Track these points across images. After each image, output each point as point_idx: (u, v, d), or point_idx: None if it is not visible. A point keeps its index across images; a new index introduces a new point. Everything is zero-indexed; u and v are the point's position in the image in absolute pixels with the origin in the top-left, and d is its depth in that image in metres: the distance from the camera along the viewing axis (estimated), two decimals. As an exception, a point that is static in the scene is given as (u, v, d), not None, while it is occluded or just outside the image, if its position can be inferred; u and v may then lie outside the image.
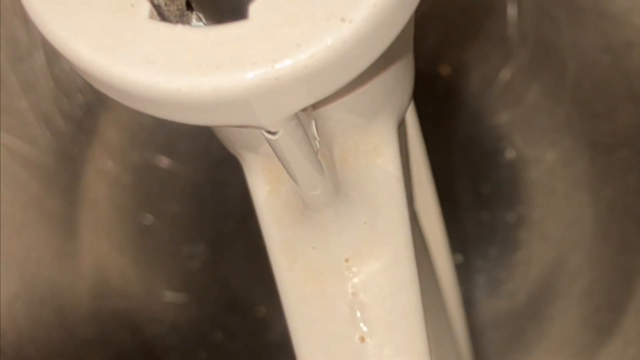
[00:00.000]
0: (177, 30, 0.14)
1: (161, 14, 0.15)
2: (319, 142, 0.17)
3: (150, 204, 0.51)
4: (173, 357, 0.48)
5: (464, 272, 0.49)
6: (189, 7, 0.16)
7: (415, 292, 0.20)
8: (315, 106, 0.17)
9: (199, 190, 0.52)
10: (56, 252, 0.47)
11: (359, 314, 0.19)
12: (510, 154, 0.49)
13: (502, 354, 0.47)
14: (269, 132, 0.15)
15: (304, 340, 0.20)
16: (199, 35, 0.14)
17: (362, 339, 0.19)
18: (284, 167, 0.17)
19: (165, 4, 0.15)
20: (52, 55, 0.46)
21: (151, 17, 0.14)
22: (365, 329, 0.19)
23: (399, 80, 0.19)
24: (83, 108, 0.49)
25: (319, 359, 0.20)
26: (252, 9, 0.14)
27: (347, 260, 0.20)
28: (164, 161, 0.51)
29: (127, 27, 0.14)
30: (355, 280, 0.20)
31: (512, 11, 0.48)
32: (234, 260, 0.51)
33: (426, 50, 0.51)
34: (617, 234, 0.45)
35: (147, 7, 0.14)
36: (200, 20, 0.16)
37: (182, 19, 0.16)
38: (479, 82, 0.50)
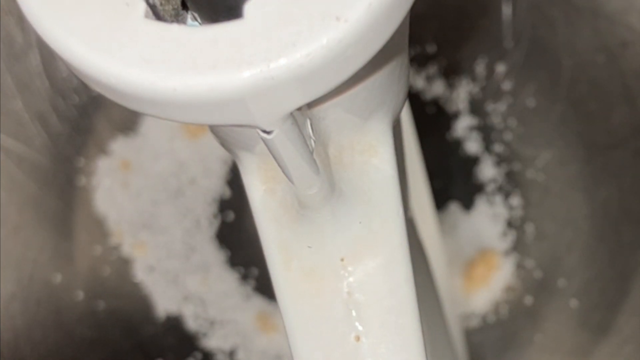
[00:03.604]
0: (173, 30, 0.14)
1: (156, 14, 0.15)
2: (315, 142, 0.17)
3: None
4: (169, 356, 0.48)
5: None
6: (184, 6, 0.16)
7: (411, 291, 0.20)
8: (311, 105, 0.17)
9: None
10: (52, 252, 0.47)
11: (354, 313, 0.19)
12: (505, 153, 0.49)
13: (497, 352, 0.47)
14: (265, 132, 0.15)
15: (299, 340, 0.20)
16: (194, 35, 0.14)
17: (358, 338, 0.19)
18: (280, 166, 0.17)
19: (161, 4, 0.15)
20: (48, 56, 0.46)
21: (146, 16, 0.14)
22: (360, 328, 0.19)
23: (394, 79, 0.19)
24: (78, 108, 0.49)
25: (314, 358, 0.20)
26: (247, 9, 0.14)
27: (342, 260, 0.20)
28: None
29: (123, 26, 0.14)
30: (351, 279, 0.20)
31: (507, 11, 0.48)
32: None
33: (421, 49, 0.51)
34: (612, 233, 0.45)
35: (142, 6, 0.14)
36: (196, 19, 0.16)
37: (178, 19, 0.16)
38: (474, 82, 0.50)
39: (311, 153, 0.17)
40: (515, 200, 0.49)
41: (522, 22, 0.48)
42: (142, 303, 0.49)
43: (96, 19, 0.14)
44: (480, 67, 0.50)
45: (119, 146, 0.51)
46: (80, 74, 0.15)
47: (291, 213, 0.20)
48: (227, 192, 0.51)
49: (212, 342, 0.49)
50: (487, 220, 0.49)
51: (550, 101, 0.48)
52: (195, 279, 0.50)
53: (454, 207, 0.49)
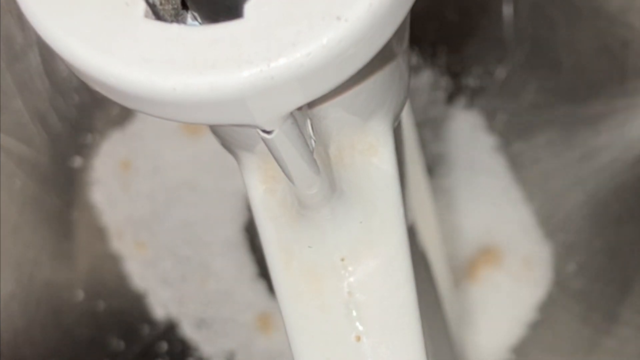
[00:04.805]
0: (173, 30, 0.14)
1: (156, 13, 0.15)
2: (315, 141, 0.17)
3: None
4: (168, 357, 0.48)
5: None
6: (184, 6, 0.16)
7: (411, 291, 0.20)
8: (311, 105, 0.17)
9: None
10: (52, 252, 0.47)
11: (354, 313, 0.19)
12: (506, 152, 0.49)
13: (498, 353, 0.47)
14: (265, 131, 0.15)
15: (300, 339, 0.20)
16: (194, 34, 0.14)
17: (358, 338, 0.19)
18: (280, 166, 0.17)
19: (161, 3, 0.15)
20: (48, 56, 0.46)
21: (146, 16, 0.14)
22: (361, 328, 0.19)
23: (394, 79, 0.19)
24: (78, 108, 0.49)
25: (315, 357, 0.20)
26: (248, 8, 0.14)
27: (343, 259, 0.20)
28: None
29: (123, 26, 0.14)
30: (351, 279, 0.20)
31: (507, 10, 0.48)
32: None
33: (422, 49, 0.51)
34: (612, 233, 0.45)
35: (142, 6, 0.14)
36: (196, 19, 0.16)
37: (178, 18, 0.16)
38: (475, 82, 0.50)
39: (311, 153, 0.17)
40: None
41: (523, 22, 0.48)
42: (142, 303, 0.49)
43: (96, 19, 0.14)
44: (480, 67, 0.50)
45: (119, 146, 0.51)
46: (80, 74, 0.15)
47: (291, 213, 0.20)
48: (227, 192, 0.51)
49: (212, 342, 0.49)
50: (489, 219, 0.49)
51: (551, 101, 0.48)
52: (195, 279, 0.49)
53: (455, 206, 0.49)
